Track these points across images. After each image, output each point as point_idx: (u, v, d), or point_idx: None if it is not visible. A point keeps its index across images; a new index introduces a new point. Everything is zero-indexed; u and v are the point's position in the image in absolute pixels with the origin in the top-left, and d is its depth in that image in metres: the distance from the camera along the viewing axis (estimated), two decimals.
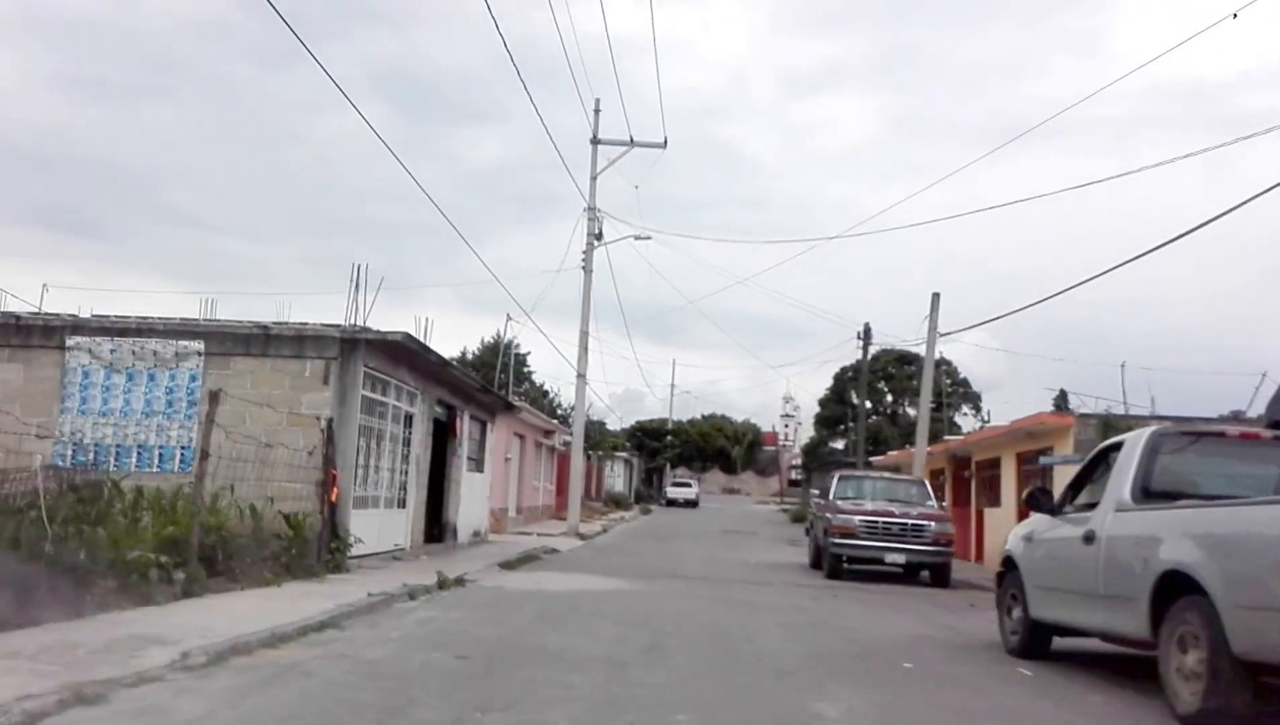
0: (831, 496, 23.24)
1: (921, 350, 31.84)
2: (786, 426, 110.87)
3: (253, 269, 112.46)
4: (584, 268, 33.42)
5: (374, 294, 16.57)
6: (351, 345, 15.99)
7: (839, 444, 69.81)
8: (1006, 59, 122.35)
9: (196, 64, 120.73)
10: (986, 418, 68.22)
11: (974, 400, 68.33)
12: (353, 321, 16.30)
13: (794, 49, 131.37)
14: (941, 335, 28.16)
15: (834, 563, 21.56)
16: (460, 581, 15.91)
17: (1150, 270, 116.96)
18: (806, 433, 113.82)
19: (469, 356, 59.08)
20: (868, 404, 70.59)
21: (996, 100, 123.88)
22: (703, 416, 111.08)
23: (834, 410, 69.55)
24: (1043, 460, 21.12)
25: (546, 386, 59.52)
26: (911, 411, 68.52)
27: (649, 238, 34.40)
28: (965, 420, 68.41)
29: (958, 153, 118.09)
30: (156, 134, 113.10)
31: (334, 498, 15.42)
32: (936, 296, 28.21)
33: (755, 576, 21.45)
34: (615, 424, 74.40)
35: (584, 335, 33.40)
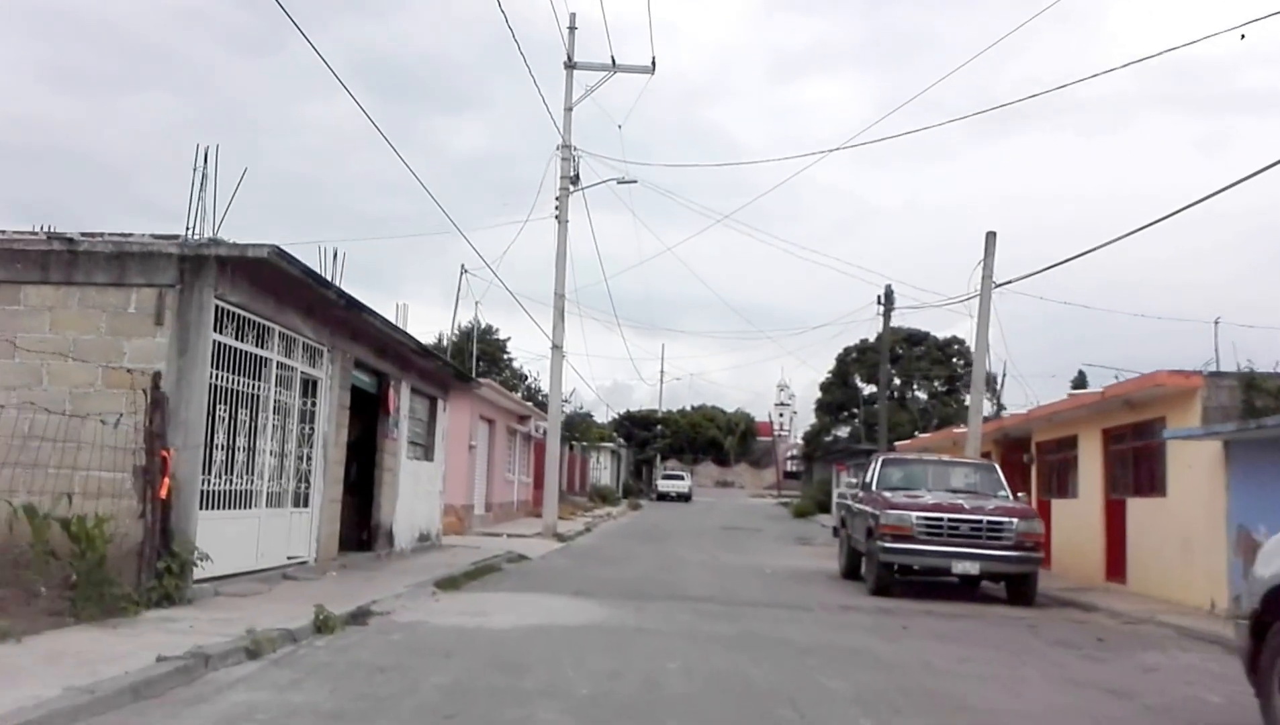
0: (875, 486, 18.02)
1: (945, 321, 26.62)
2: (781, 415, 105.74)
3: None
4: (557, 217, 28.11)
5: (229, 203, 11.24)
6: (196, 266, 10.66)
7: (843, 431, 64.66)
8: (996, 38, 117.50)
9: (173, 54, 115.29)
10: (1001, 403, 63.22)
11: (990, 383, 63.19)
12: (199, 233, 11.00)
13: (782, 29, 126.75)
14: (998, 285, 22.91)
15: (882, 574, 16.36)
16: (362, 616, 10.64)
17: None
18: (803, 422, 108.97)
19: (445, 344, 53.75)
20: (870, 388, 65.59)
21: (987, 80, 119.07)
22: (692, 407, 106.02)
23: (837, 395, 64.38)
24: (1166, 434, 15.90)
25: (526, 370, 54.26)
26: (922, 395, 63.45)
27: (634, 181, 29.06)
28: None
29: (947, 133, 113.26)
30: (131, 125, 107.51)
31: (164, 493, 10.11)
32: (992, 236, 22.99)
33: (780, 594, 16.22)
34: (603, 417, 69.26)
35: (559, 298, 28.10)
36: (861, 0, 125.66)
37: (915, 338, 63.46)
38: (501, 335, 58.34)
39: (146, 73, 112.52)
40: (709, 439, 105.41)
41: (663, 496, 63.91)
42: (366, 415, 17.39)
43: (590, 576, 17.29)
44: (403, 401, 18.22)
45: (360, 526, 17.19)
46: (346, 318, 14.30)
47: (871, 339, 64.47)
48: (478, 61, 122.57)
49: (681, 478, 66.75)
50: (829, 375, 65.99)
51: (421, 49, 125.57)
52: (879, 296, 34.09)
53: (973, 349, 23.75)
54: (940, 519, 16.09)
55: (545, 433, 43.00)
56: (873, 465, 18.47)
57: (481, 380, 27.91)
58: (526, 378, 53.29)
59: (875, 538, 16.42)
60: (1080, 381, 68.14)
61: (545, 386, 56.16)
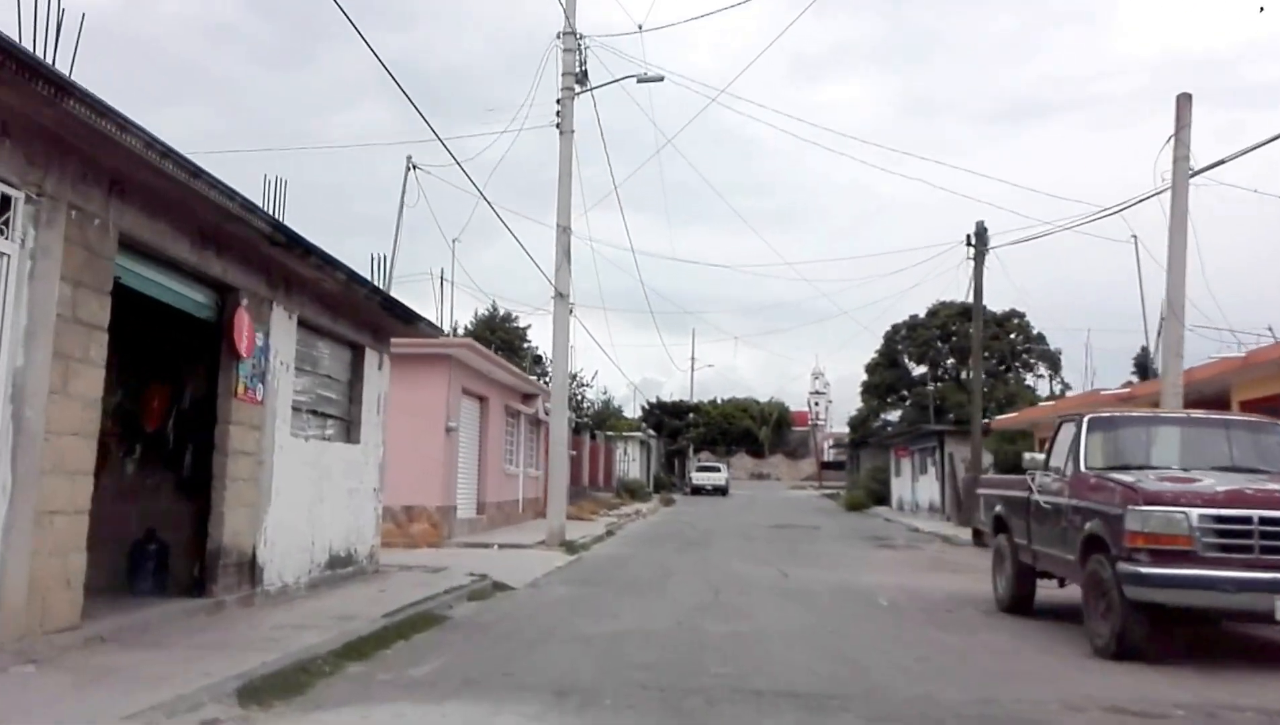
0: (1083, 462, 10.07)
1: None
2: (817, 404, 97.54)
3: None
4: (558, 126, 20.41)
5: None
6: None
7: (892, 415, 56.55)
8: (1013, 38, 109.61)
9: (205, 68, 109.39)
10: (1064, 382, 54.93)
11: (1051, 360, 54.96)
12: None
13: (804, 32, 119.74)
14: (1195, 172, 14.88)
15: (1133, 623, 8.50)
16: None
17: None
18: (838, 411, 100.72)
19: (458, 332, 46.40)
20: (921, 369, 57.44)
21: (1005, 80, 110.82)
22: (723, 400, 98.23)
23: (885, 376, 56.28)
24: None
25: (550, 362, 46.63)
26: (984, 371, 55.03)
27: (660, 79, 21.21)
28: (1040, 384, 55.01)
29: (968, 133, 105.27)
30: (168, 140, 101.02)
31: None
32: (1185, 98, 14.94)
33: (960, 670, 8.35)
34: (634, 413, 61.42)
35: (563, 232, 20.38)
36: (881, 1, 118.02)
37: (971, 311, 55.11)
38: (521, 322, 50.76)
39: (180, 89, 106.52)
40: (742, 430, 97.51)
41: (697, 490, 56.10)
42: (185, 351, 9.82)
43: (596, 633, 9.53)
44: (278, 340, 10.51)
45: (195, 553, 9.52)
46: (86, 132, 6.63)
47: (922, 314, 56.47)
48: (503, 72, 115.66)
49: (717, 469, 58.89)
50: (875, 355, 57.88)
51: (446, 58, 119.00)
52: (968, 236, 26.12)
53: (1167, 255, 15.48)
54: (1246, 519, 8.23)
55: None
56: (1079, 429, 10.48)
57: (460, 337, 20.29)
58: (541, 360, 45.54)
59: (1116, 556, 8.55)
60: (1144, 359, 59.43)
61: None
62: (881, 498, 45.30)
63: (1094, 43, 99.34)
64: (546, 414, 30.36)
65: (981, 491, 13.73)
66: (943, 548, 23.67)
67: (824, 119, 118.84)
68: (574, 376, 45.87)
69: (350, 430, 13.09)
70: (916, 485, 38.86)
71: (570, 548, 19.54)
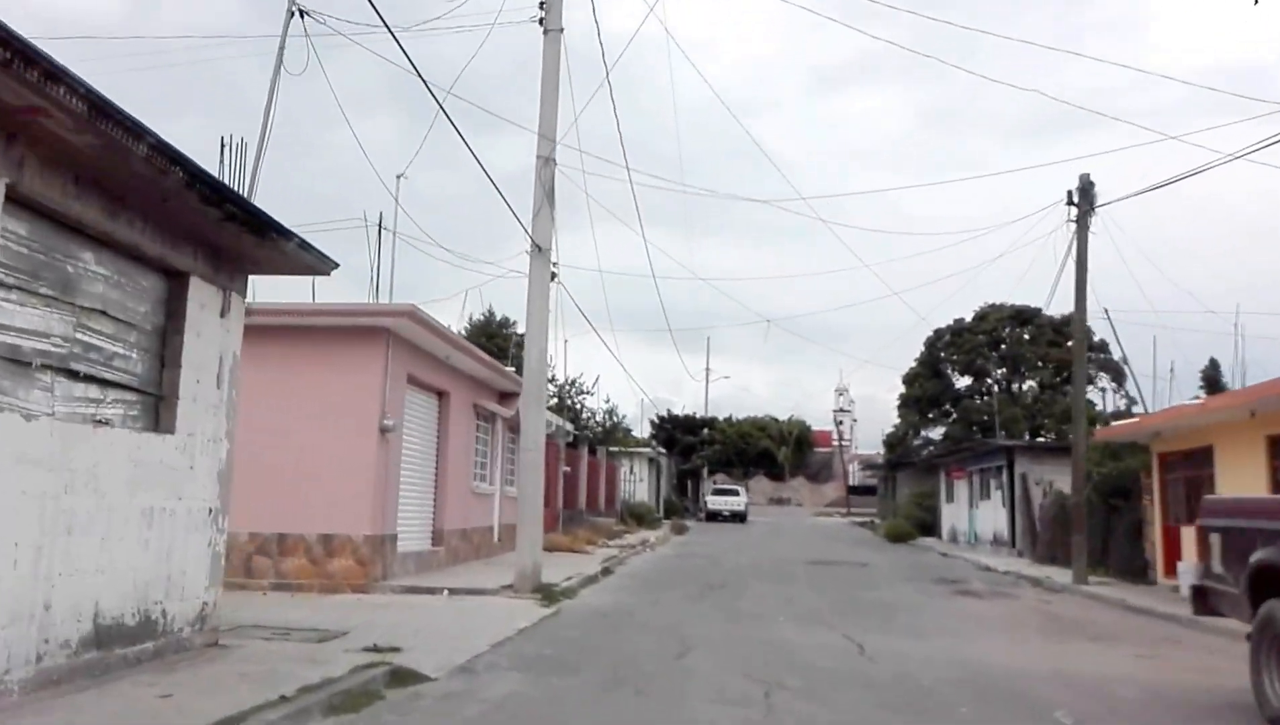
0: None
1: None
2: (841, 423, 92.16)
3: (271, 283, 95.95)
4: (542, 23, 15.41)
5: None
6: None
7: (935, 432, 51.23)
8: (1040, 50, 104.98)
9: (209, 75, 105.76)
10: (1135, 399, 49.50)
11: (1114, 372, 49.63)
12: None
13: (823, 43, 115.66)
14: None
15: None
16: None
17: None
18: (865, 432, 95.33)
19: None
20: (966, 381, 52.12)
21: (1030, 92, 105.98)
22: (737, 419, 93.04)
23: (926, 387, 50.98)
24: None
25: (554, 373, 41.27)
26: (1032, 384, 49.79)
27: None
28: (1102, 399, 49.60)
29: (990, 146, 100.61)
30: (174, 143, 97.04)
31: None
32: None
33: None
34: (642, 431, 56.21)
35: (545, 164, 15.34)
36: (902, 12, 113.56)
37: (1024, 316, 50.02)
38: (519, 328, 45.72)
39: (185, 96, 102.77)
40: (760, 450, 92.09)
41: (713, 516, 50.84)
42: None
43: None
44: None
45: None
46: None
47: (969, 318, 51.25)
48: (513, 77, 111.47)
49: (735, 493, 53.58)
50: (915, 365, 52.61)
51: (457, 67, 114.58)
52: (1070, 192, 20.78)
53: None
54: None
55: (557, 431, 30.21)
56: None
57: (401, 304, 15.29)
58: (568, 394, 40.25)
59: None
60: (1214, 371, 53.98)
61: (584, 400, 44.21)
62: (927, 527, 40.00)
63: (1128, 55, 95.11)
64: (549, 432, 25.33)
65: (1211, 523, 8.47)
66: (1041, 595, 18.48)
67: (844, 131, 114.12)
68: (573, 382, 40.82)
69: (158, 412, 8.02)
70: (975, 513, 33.57)
71: (548, 595, 14.42)
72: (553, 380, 39.06)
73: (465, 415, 19.30)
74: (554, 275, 15.77)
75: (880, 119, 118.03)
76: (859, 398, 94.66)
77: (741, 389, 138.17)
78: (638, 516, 38.74)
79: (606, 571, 19.34)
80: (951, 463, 35.72)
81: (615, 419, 41.06)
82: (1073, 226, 19.81)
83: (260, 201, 10.51)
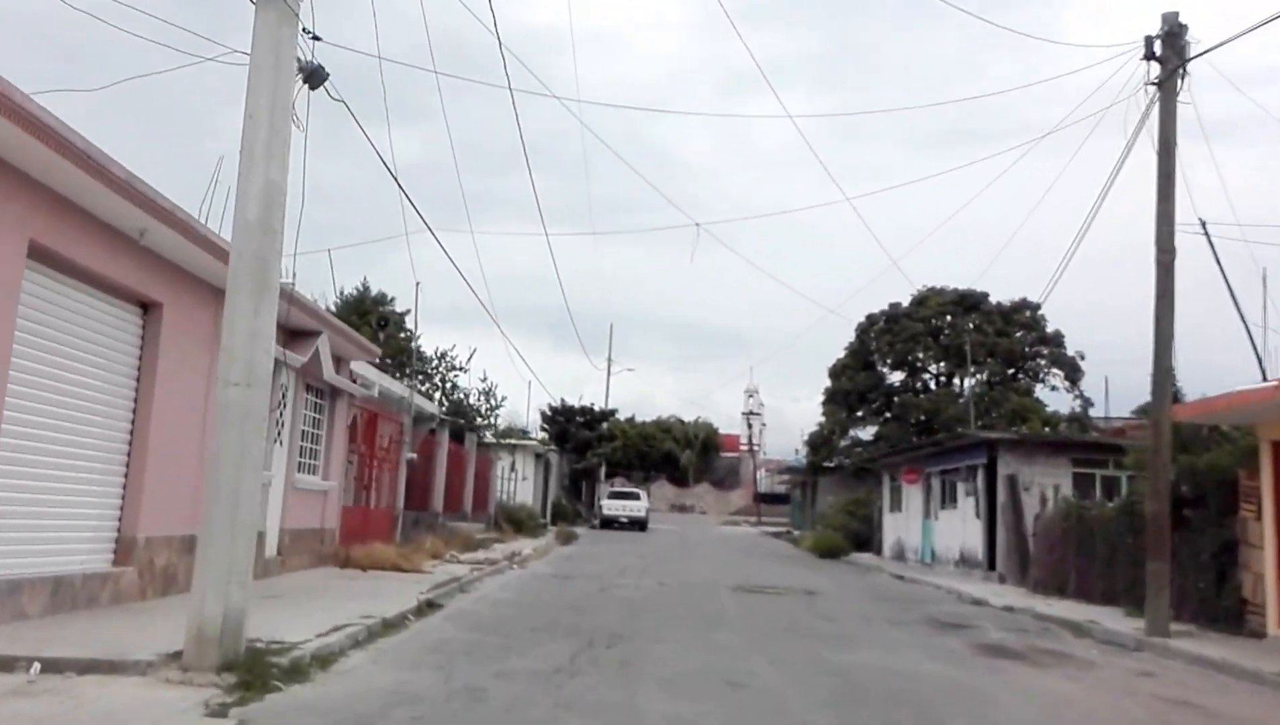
0: None
1: None
2: (750, 426, 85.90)
3: None
4: None
5: None
6: None
7: (864, 432, 44.89)
8: (949, 59, 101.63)
9: (105, 54, 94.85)
10: (1084, 397, 43.95)
11: (1068, 367, 44.07)
12: None
13: (732, 47, 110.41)
14: None
15: None
16: None
17: None
18: (774, 443, 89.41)
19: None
20: (896, 378, 45.90)
21: (940, 98, 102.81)
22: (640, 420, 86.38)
23: (856, 381, 44.64)
24: None
25: (446, 362, 33.07)
26: (981, 378, 43.83)
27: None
28: (1055, 398, 44.01)
29: (899, 155, 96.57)
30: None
31: None
32: None
33: None
34: (529, 421, 48.60)
35: None
36: (815, 17, 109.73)
37: (970, 301, 44.14)
38: (399, 306, 37.90)
39: (79, 74, 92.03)
40: (663, 454, 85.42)
41: (609, 522, 43.64)
42: None
43: None
44: None
45: None
46: None
47: (906, 303, 45.03)
48: (421, 73, 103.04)
49: (635, 497, 46.44)
50: (843, 355, 46.26)
51: (362, 56, 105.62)
52: (1148, 39, 13.97)
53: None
54: None
55: (401, 403, 22.65)
56: None
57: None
58: (436, 371, 32.37)
59: None
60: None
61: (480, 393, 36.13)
62: (863, 541, 33.52)
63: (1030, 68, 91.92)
64: (362, 386, 17.90)
65: None
66: (1120, 659, 11.79)
67: (751, 136, 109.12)
68: (443, 355, 33.22)
69: None
70: (933, 525, 27.07)
71: (254, 674, 7.09)
72: (402, 341, 31.47)
73: (201, 350, 11.71)
74: (313, 36, 8.33)
75: (787, 123, 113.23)
76: (770, 408, 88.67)
77: (645, 395, 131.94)
78: (516, 522, 31.35)
79: (427, 608, 11.97)
80: (901, 463, 29.21)
81: (493, 401, 33.56)
82: (1152, 91, 13.10)
83: None
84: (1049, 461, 22.42)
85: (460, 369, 32.84)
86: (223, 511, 7.33)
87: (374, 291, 37.25)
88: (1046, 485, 21.19)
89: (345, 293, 39.30)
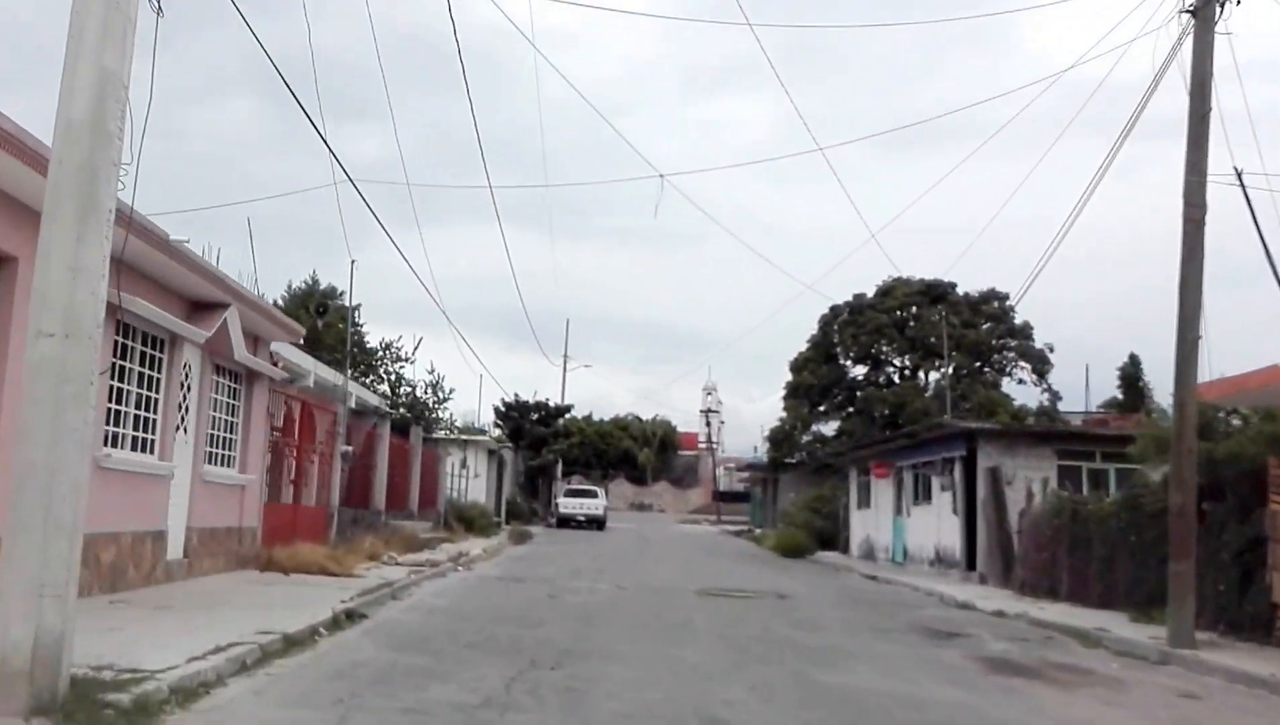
0: None
1: None
2: (709, 424, 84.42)
3: None
4: None
5: None
6: None
7: (827, 428, 43.39)
8: (908, 59, 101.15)
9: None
10: (1052, 390, 42.78)
11: (1036, 360, 42.88)
12: None
13: (695, 47, 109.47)
14: None
15: None
16: None
17: None
18: (732, 438, 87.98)
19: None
20: (859, 372, 44.47)
21: (899, 100, 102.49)
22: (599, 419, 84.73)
23: (819, 374, 43.16)
24: None
25: (396, 355, 30.96)
26: (949, 371, 42.53)
27: None
28: (1022, 391, 42.81)
29: (859, 153, 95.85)
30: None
31: None
32: None
33: None
34: (482, 417, 46.50)
35: None
36: (775, 18, 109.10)
37: (937, 292, 42.82)
38: (349, 301, 35.73)
39: (33, 74, 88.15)
40: (622, 452, 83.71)
41: (565, 521, 41.78)
42: None
43: None
44: None
45: None
46: None
47: (870, 294, 43.59)
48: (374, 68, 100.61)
49: (593, 494, 44.58)
50: (806, 349, 44.74)
51: (321, 52, 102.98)
52: None
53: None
54: None
55: (335, 391, 20.66)
56: None
57: None
58: (380, 362, 30.24)
59: None
60: (1134, 367, 48.03)
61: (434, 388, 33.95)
62: (826, 539, 31.97)
63: (990, 69, 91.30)
64: (295, 372, 15.95)
65: None
66: (1150, 675, 10.21)
67: (714, 136, 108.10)
68: (388, 346, 31.19)
69: None
70: (905, 522, 25.53)
71: (75, 723, 5.16)
72: (342, 329, 29.52)
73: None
74: None
75: (750, 123, 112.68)
76: (724, 406, 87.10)
77: (603, 395, 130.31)
78: (467, 521, 29.41)
79: (346, 620, 10.07)
80: (871, 457, 27.65)
81: (441, 394, 31.49)
82: (1186, 19, 11.49)
83: None
84: (1032, 453, 20.93)
85: (406, 360, 30.83)
86: (32, 504, 5.42)
87: (323, 285, 35.16)
88: (1030, 479, 19.65)
89: (293, 286, 37.18)
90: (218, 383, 13.58)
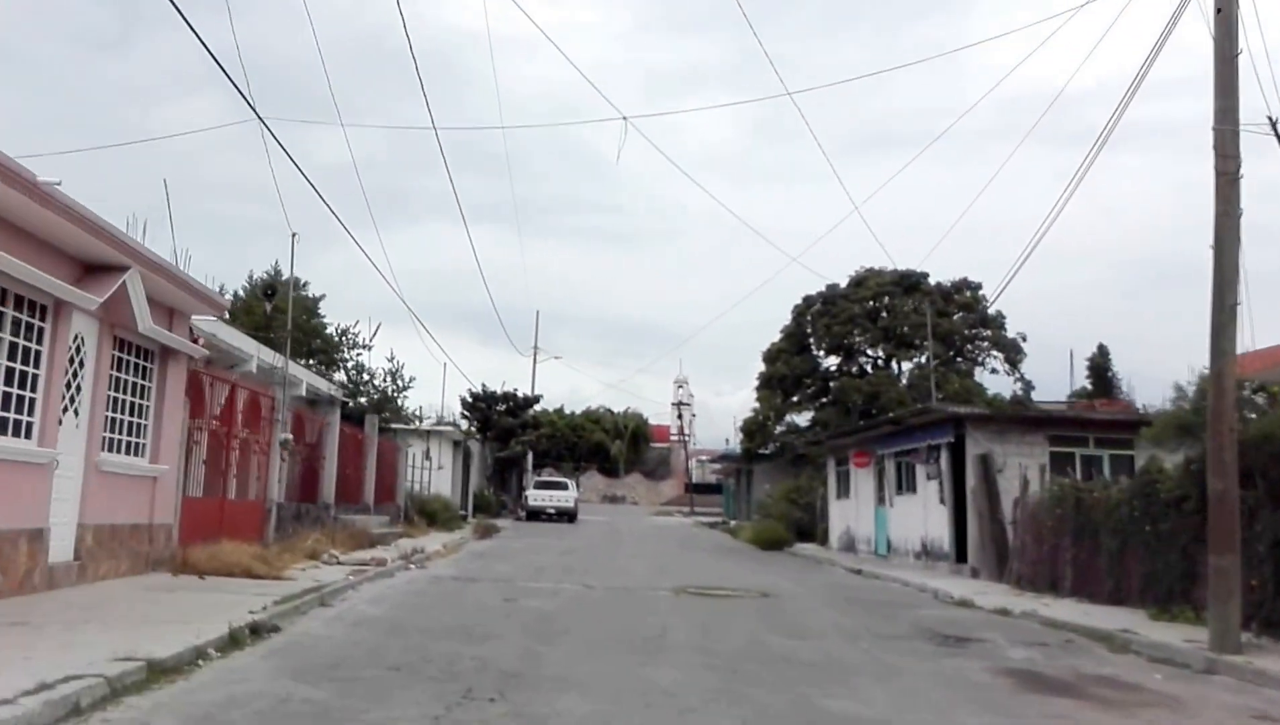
0: None
1: None
2: (680, 417, 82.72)
3: None
4: None
5: None
6: None
7: (802, 418, 41.77)
8: (864, 68, 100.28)
9: (24, 50, 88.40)
10: (1025, 379, 41.44)
11: (1010, 349, 41.51)
12: None
13: (656, 51, 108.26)
14: None
15: None
16: None
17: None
18: (703, 431, 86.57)
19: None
20: (831, 365, 42.89)
21: (855, 108, 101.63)
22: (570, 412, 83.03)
23: (790, 365, 41.54)
24: None
25: (358, 344, 28.98)
26: (917, 361, 41.08)
27: None
28: (995, 381, 41.47)
29: (818, 158, 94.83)
30: None
31: None
32: None
33: None
34: (447, 407, 44.49)
35: None
36: (734, 25, 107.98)
37: (910, 282, 41.37)
38: (313, 290, 33.80)
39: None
40: (593, 444, 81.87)
41: (535, 514, 39.93)
42: None
43: None
44: None
45: None
46: None
47: (843, 284, 42.07)
48: (343, 68, 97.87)
49: (563, 486, 42.73)
50: (779, 339, 43.11)
51: (285, 53, 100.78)
52: None
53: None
54: None
55: (273, 373, 18.74)
56: None
57: None
58: (337, 347, 28.27)
59: None
60: (1103, 357, 47.08)
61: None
62: (804, 530, 30.41)
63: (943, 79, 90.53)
64: (196, 340, 14.08)
65: None
66: (1195, 687, 8.55)
67: (678, 140, 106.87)
68: (344, 332, 29.24)
69: None
70: (888, 513, 23.94)
71: None
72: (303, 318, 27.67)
73: None
74: None
75: (714, 127, 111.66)
76: (695, 400, 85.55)
77: (575, 388, 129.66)
78: (429, 514, 27.57)
79: (249, 635, 8.23)
80: (851, 445, 26.04)
81: (401, 382, 29.51)
82: None
83: None
84: (1024, 440, 19.38)
85: (364, 346, 28.91)
86: None
87: (285, 275, 32.98)
88: (1023, 466, 18.09)
89: (254, 277, 35.04)
90: (122, 360, 11.69)
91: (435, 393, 65.14)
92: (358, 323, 30.45)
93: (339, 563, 14.90)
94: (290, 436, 17.19)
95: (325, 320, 34.44)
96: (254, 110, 11.52)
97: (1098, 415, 19.46)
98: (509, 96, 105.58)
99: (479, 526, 28.35)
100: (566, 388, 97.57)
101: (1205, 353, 10.34)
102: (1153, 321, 77.21)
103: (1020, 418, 20.26)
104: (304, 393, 21.54)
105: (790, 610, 12.91)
